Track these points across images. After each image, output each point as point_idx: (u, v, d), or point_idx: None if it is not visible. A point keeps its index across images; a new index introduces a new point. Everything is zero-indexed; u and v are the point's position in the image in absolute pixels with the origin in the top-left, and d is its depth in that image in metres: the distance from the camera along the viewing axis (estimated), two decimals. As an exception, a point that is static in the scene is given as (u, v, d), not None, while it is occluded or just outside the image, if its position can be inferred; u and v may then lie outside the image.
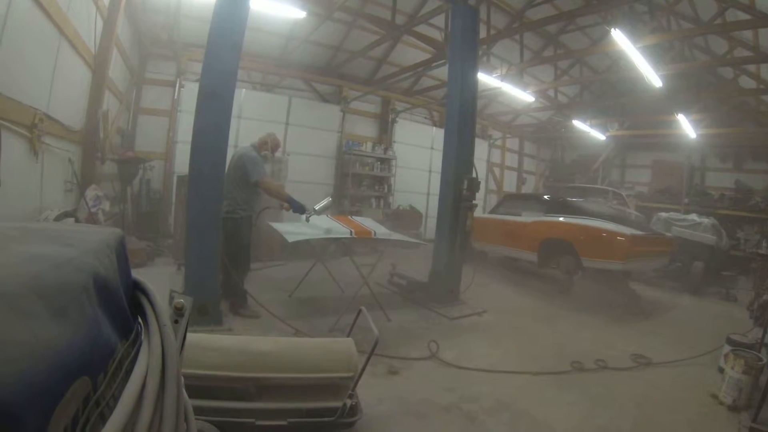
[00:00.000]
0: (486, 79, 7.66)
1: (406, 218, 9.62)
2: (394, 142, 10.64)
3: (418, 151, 11.06)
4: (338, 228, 4.36)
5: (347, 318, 4.16)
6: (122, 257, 0.72)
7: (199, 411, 1.98)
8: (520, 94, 8.54)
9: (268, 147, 4.37)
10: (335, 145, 9.58)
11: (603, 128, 11.51)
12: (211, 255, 3.78)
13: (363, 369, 2.09)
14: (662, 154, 12.44)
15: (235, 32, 3.80)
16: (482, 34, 6.93)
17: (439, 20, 7.33)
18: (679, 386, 3.38)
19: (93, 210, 4.61)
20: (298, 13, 5.96)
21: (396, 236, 5.25)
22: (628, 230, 5.40)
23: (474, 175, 5.16)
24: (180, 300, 0.81)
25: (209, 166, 3.73)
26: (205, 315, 3.74)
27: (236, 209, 4.11)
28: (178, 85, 7.70)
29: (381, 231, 4.63)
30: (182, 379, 0.68)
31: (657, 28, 6.93)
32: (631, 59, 6.20)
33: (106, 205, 4.95)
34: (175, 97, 7.68)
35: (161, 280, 4.17)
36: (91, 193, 4.74)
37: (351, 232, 4.29)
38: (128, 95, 7.16)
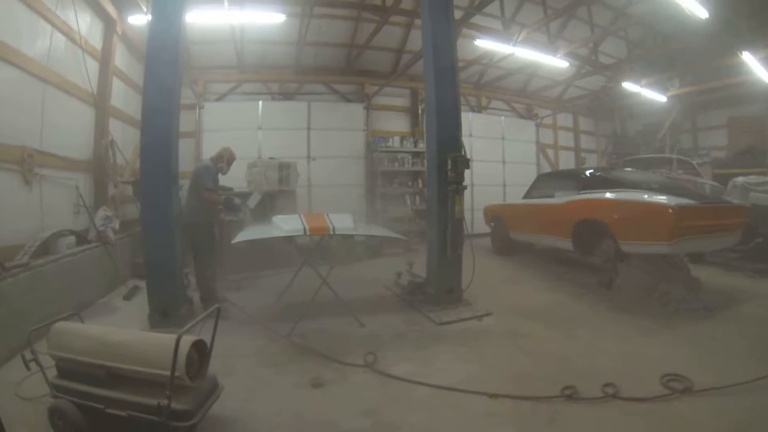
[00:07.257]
0: (496, 47, 6.87)
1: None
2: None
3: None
4: (294, 226, 4.13)
5: (308, 324, 3.98)
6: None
7: (66, 391, 2.19)
8: (547, 59, 7.49)
9: (224, 160, 4.53)
10: (363, 145, 9.32)
11: (661, 88, 9.68)
12: (166, 261, 3.93)
13: (172, 371, 1.99)
14: (738, 109, 10.31)
15: (170, 48, 3.92)
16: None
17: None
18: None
19: (101, 228, 5.13)
20: (278, 18, 5.98)
21: (364, 231, 4.84)
22: (673, 200, 4.25)
23: (462, 153, 4.49)
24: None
25: (158, 180, 3.88)
26: (167, 318, 3.88)
27: (192, 216, 4.30)
28: (198, 107, 8.28)
29: (344, 227, 4.25)
30: None
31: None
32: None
33: (116, 224, 5.47)
34: (197, 119, 8.27)
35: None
36: (101, 213, 5.29)
37: (305, 229, 4.05)
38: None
